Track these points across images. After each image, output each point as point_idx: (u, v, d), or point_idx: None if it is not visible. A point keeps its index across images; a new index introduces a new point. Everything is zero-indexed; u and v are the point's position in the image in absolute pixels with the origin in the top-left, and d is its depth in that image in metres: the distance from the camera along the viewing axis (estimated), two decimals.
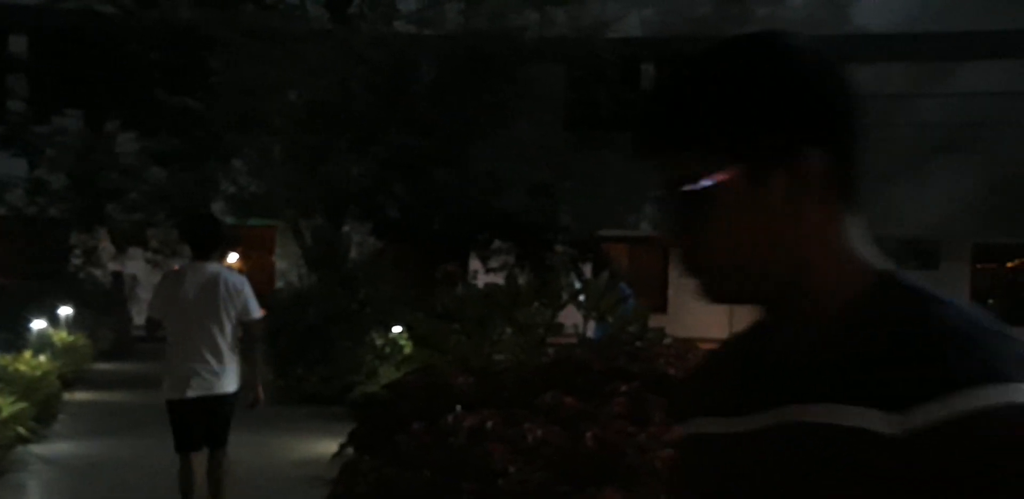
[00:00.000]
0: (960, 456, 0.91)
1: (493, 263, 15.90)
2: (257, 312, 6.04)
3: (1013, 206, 17.65)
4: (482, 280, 12.53)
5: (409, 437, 5.31)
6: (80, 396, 11.65)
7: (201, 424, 5.92)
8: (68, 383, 11.53)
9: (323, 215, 14.99)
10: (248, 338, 6.13)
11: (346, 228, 15.52)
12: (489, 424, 5.06)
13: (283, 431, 9.68)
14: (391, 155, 13.35)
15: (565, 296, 5.93)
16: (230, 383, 5.93)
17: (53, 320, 13.23)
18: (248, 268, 17.72)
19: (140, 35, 15.10)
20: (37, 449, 8.59)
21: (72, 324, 13.84)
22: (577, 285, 6.36)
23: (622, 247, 20.26)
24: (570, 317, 5.73)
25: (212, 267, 5.97)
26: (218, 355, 5.86)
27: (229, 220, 14.39)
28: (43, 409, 9.36)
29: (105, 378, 13.58)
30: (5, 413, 7.93)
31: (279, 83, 14.30)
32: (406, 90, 14.01)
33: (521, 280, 6.39)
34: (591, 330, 5.88)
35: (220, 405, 5.92)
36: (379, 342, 11.91)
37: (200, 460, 5.96)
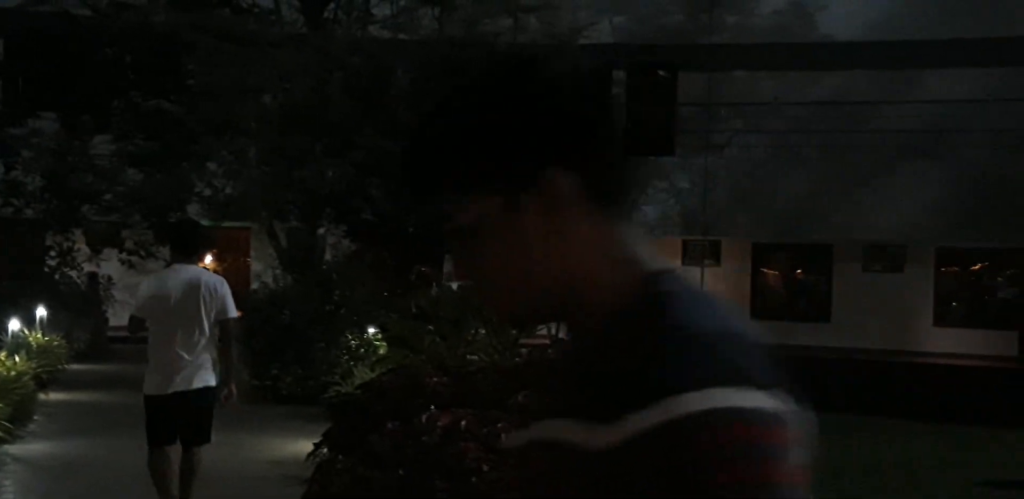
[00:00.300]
0: (660, 464, 0.90)
1: None
2: (234, 312, 6.37)
3: (976, 211, 17.96)
4: (456, 282, 12.66)
5: (383, 437, 5.43)
6: (55, 397, 11.66)
7: (179, 419, 6.14)
8: (43, 384, 11.54)
9: (298, 217, 15.07)
10: (224, 336, 6.41)
11: (321, 230, 15.61)
12: (463, 424, 5.19)
13: (258, 431, 9.76)
14: (366, 159, 13.47)
15: None
16: (210, 378, 6.22)
17: (28, 321, 13.25)
18: (223, 269, 17.76)
19: (115, 38, 15.14)
20: (12, 449, 8.63)
21: (47, 325, 13.85)
22: None
23: None
24: None
25: (193, 269, 6.33)
26: (198, 352, 6.15)
27: (204, 222, 14.46)
28: (18, 410, 9.40)
29: (80, 379, 13.58)
30: None
31: (254, 87, 14.39)
32: (381, 94, 14.12)
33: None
34: (564, 331, 6.04)
35: (202, 398, 6.17)
36: (354, 343, 12.02)
37: (175, 454, 6.21)
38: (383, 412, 5.68)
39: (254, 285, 16.98)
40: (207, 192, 15.22)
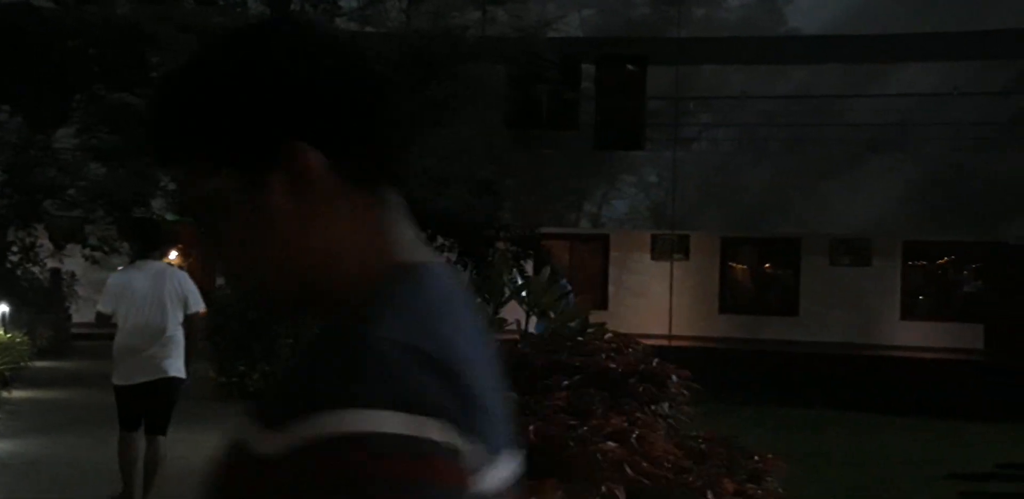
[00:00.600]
0: (297, 481, 0.84)
1: None
2: (201, 306, 6.58)
3: (943, 205, 18.09)
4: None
5: None
6: (18, 394, 11.52)
7: (145, 406, 6.34)
8: (6, 381, 11.41)
9: None
10: (188, 330, 6.52)
11: None
12: None
13: (224, 427, 9.65)
14: None
15: (507, 292, 6.04)
16: (178, 369, 6.38)
17: None
18: (188, 265, 17.60)
19: (78, 29, 14.94)
20: None
21: (9, 322, 13.66)
22: (519, 281, 6.49)
23: (563, 244, 20.43)
24: (512, 313, 5.84)
25: (159, 264, 6.56)
26: (165, 344, 6.32)
27: (169, 217, 14.30)
28: None
29: (43, 376, 13.43)
30: None
31: None
32: None
33: (464, 276, 6.50)
34: (533, 325, 5.99)
35: (168, 387, 6.34)
36: None
37: (141, 441, 6.38)
38: None
39: (220, 280, 16.82)
40: (172, 186, 15.05)
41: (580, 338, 5.32)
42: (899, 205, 18.03)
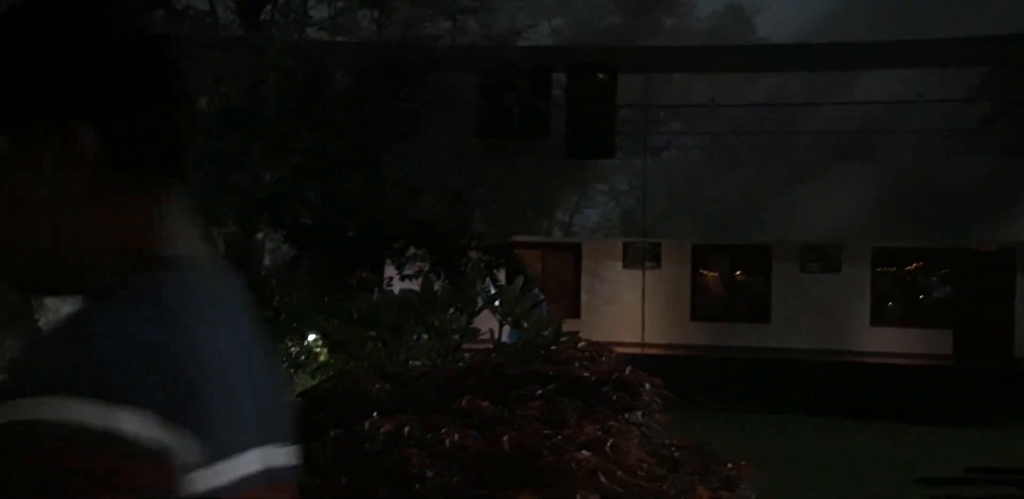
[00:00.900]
0: None
1: (408, 270, 15.95)
2: None
3: (910, 211, 18.25)
4: (398, 287, 12.59)
5: (325, 445, 5.35)
6: None
7: None
8: None
9: (235, 222, 14.88)
10: None
11: (259, 235, 15.43)
12: (406, 430, 5.12)
13: None
14: (304, 161, 13.34)
15: (480, 301, 6.03)
16: None
17: None
18: None
19: None
20: None
21: None
22: (492, 290, 6.48)
23: (535, 253, 20.45)
24: (485, 322, 5.84)
25: None
26: None
27: None
28: None
29: None
30: None
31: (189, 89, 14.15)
32: (319, 97, 14.00)
33: (437, 286, 6.48)
34: (506, 335, 5.99)
35: None
36: (294, 350, 11.86)
37: None
38: (325, 420, 5.59)
39: None
40: None
41: (553, 347, 5.33)
42: (868, 212, 18.17)
